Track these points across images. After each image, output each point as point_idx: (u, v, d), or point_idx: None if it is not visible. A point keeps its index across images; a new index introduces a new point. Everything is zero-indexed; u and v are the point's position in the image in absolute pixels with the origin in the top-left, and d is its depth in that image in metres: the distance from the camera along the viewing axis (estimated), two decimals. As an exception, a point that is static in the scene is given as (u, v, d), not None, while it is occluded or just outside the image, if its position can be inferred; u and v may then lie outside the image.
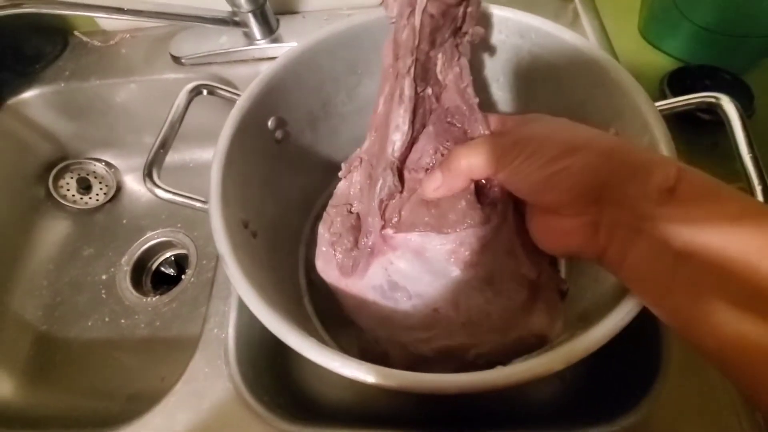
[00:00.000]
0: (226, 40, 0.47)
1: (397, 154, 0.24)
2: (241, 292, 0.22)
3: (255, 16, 0.43)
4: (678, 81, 0.39)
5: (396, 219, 0.25)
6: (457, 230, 0.24)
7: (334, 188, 0.29)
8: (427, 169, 0.25)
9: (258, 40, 0.46)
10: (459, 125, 0.26)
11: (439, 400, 0.36)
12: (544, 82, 0.31)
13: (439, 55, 0.23)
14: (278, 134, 0.33)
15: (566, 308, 0.33)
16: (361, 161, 0.27)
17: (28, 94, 0.50)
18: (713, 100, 0.25)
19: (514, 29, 0.31)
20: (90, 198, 0.56)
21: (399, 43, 0.23)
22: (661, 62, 0.43)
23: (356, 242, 0.26)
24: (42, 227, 0.54)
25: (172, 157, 0.31)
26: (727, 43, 0.40)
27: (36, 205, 0.54)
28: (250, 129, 0.29)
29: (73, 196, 0.56)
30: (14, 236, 0.52)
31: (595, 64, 0.28)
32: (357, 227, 0.27)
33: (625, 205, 0.18)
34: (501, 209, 0.24)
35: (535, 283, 0.25)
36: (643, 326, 0.27)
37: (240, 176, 0.28)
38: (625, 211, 0.18)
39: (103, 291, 0.50)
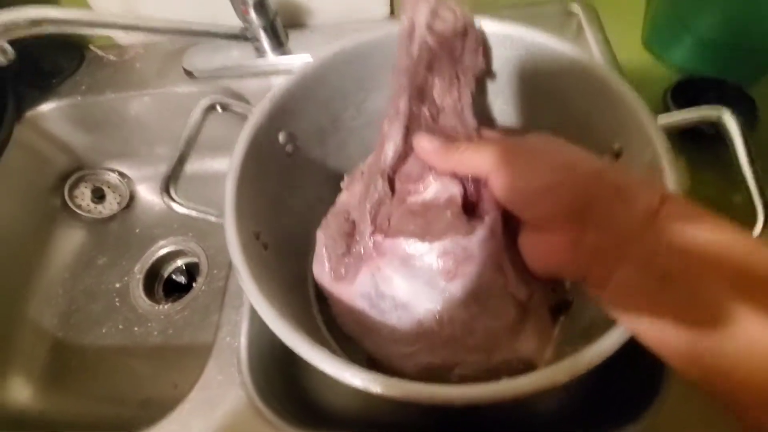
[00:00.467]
0: (238, 54, 0.48)
1: (388, 162, 0.26)
2: (254, 304, 0.22)
3: (266, 30, 0.45)
4: (682, 93, 0.39)
5: (385, 225, 0.25)
6: (441, 239, 0.24)
7: (343, 200, 0.30)
8: (417, 181, 0.26)
9: (268, 54, 0.47)
10: (455, 140, 0.26)
11: (445, 409, 0.37)
12: (548, 95, 0.32)
13: (437, 80, 0.25)
14: (288, 148, 0.34)
15: (571, 320, 0.33)
16: (362, 174, 0.29)
17: (46, 107, 0.51)
18: (714, 114, 0.26)
19: (518, 44, 0.32)
20: (104, 207, 0.57)
21: (399, 66, 0.24)
22: (665, 74, 0.43)
23: (349, 249, 0.27)
24: (58, 236, 0.55)
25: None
26: (730, 56, 0.40)
27: (52, 215, 0.55)
28: (262, 144, 0.30)
29: (88, 205, 0.57)
30: (31, 245, 0.53)
31: (597, 79, 0.29)
32: (351, 234, 0.27)
33: (609, 227, 0.19)
34: (489, 223, 0.25)
35: (524, 304, 0.25)
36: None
37: (252, 189, 0.29)
38: (609, 233, 0.19)
39: (117, 299, 0.52)
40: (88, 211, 0.57)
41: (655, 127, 0.26)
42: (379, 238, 0.25)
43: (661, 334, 0.18)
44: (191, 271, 0.54)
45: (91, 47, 0.54)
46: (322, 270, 0.28)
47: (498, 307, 0.25)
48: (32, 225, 0.54)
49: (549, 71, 0.31)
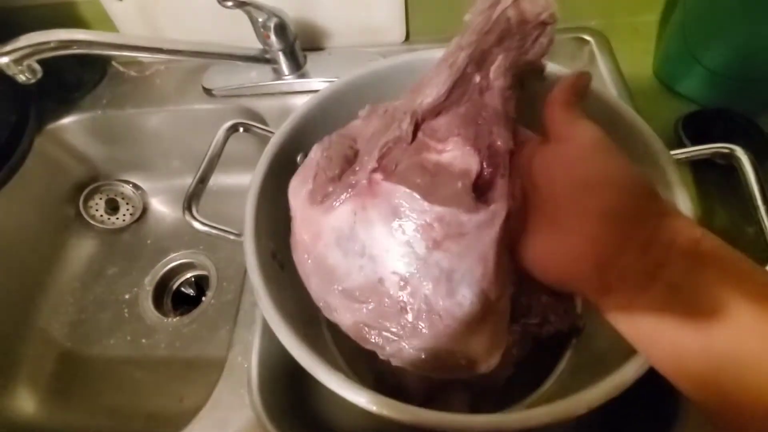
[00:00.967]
0: (256, 74, 0.49)
1: (423, 107, 0.24)
2: (274, 328, 0.23)
3: (285, 53, 0.46)
4: (693, 124, 0.40)
5: (391, 168, 0.24)
6: (443, 205, 0.22)
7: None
8: (440, 140, 0.24)
9: (286, 75, 0.48)
10: (487, 124, 0.25)
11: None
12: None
13: (500, 57, 0.24)
14: (305, 168, 0.34)
15: (582, 346, 0.33)
16: (386, 111, 0.27)
17: (67, 120, 0.53)
18: (728, 151, 0.26)
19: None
20: (117, 218, 0.58)
21: (470, 25, 0.24)
22: (675, 104, 0.44)
23: (340, 175, 0.25)
24: (70, 245, 0.56)
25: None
26: (739, 87, 0.41)
27: (66, 224, 0.56)
28: (281, 164, 0.31)
29: (101, 216, 0.58)
30: (44, 254, 0.54)
31: (610, 110, 0.30)
32: (350, 161, 0.25)
33: (649, 250, 0.18)
34: (492, 210, 0.23)
35: (491, 304, 0.24)
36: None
37: (270, 209, 0.30)
38: (646, 256, 0.18)
39: (126, 310, 0.52)
40: (102, 222, 0.58)
41: (669, 159, 0.27)
42: (378, 176, 0.23)
43: (678, 362, 0.18)
44: (200, 284, 0.55)
45: (114, 63, 0.56)
46: (301, 187, 0.25)
47: (465, 297, 0.23)
48: (46, 234, 0.55)
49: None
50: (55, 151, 0.54)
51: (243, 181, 0.55)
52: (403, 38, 0.53)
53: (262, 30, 0.43)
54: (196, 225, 0.29)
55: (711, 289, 0.17)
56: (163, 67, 0.55)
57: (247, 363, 0.33)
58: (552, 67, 0.31)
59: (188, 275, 0.55)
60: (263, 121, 0.48)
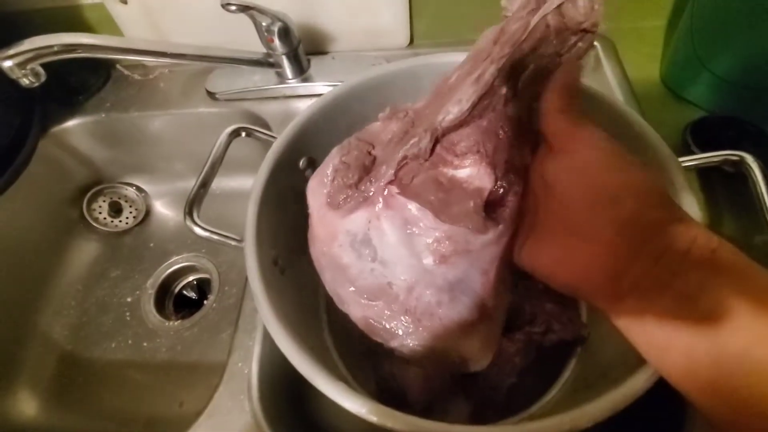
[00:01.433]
0: (259, 78, 0.49)
1: (444, 124, 0.24)
2: (274, 336, 0.22)
3: (288, 57, 0.46)
4: (701, 131, 0.39)
5: (407, 181, 0.24)
6: (453, 224, 0.23)
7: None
8: (458, 155, 0.24)
9: (290, 79, 0.48)
10: (506, 137, 0.25)
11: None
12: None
13: (532, 66, 0.23)
14: (308, 173, 0.34)
15: (587, 356, 0.33)
16: (406, 114, 0.27)
17: (71, 123, 0.53)
18: (737, 158, 0.26)
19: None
20: (120, 221, 0.58)
21: (506, 31, 0.22)
22: (683, 111, 0.44)
23: (359, 182, 0.25)
24: (73, 248, 0.56)
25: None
26: (748, 95, 0.41)
27: (69, 227, 0.56)
28: (283, 169, 0.31)
29: (105, 218, 0.58)
30: (47, 256, 0.54)
31: (618, 116, 0.29)
32: (368, 169, 0.26)
33: (663, 258, 0.18)
34: (501, 230, 0.24)
35: (487, 311, 0.26)
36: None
37: (272, 214, 0.29)
38: (660, 265, 0.18)
39: (128, 313, 0.52)
40: (105, 225, 0.58)
41: (677, 166, 0.26)
42: (394, 190, 0.24)
43: (689, 371, 0.18)
44: (202, 287, 0.54)
45: (118, 66, 0.56)
46: (319, 189, 0.26)
47: (465, 305, 0.25)
48: (49, 236, 0.55)
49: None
50: (58, 153, 0.54)
51: (246, 184, 0.55)
52: (407, 42, 0.53)
53: (265, 34, 0.43)
54: (197, 230, 0.28)
55: (725, 299, 0.17)
56: (167, 70, 0.55)
57: (247, 369, 0.33)
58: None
59: (190, 278, 0.55)
60: (266, 125, 0.48)
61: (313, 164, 0.34)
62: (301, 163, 0.33)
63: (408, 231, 0.24)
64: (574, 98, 0.22)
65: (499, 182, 0.24)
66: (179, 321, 0.51)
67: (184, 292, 0.55)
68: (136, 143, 0.55)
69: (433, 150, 0.24)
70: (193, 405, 0.45)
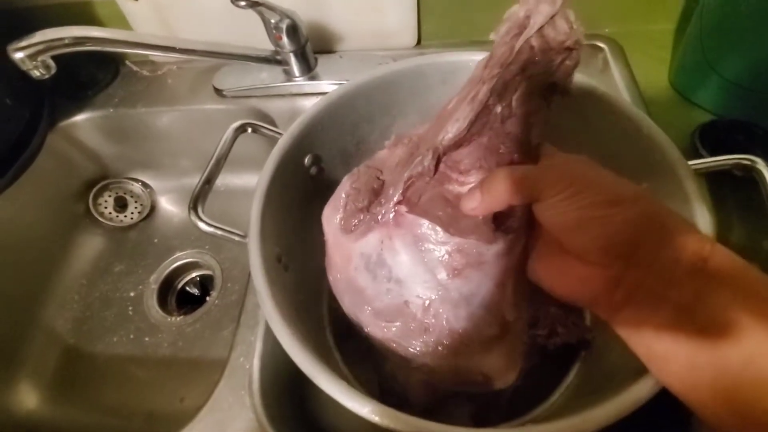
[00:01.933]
0: (267, 75, 0.49)
1: (445, 142, 0.25)
2: (277, 333, 0.22)
3: (296, 55, 0.46)
4: (709, 135, 0.39)
5: (415, 200, 0.25)
6: (463, 236, 0.24)
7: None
8: (462, 172, 0.25)
9: (297, 77, 0.48)
10: (508, 152, 0.26)
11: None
12: (573, 133, 0.32)
13: (523, 84, 0.24)
14: (313, 170, 0.34)
15: (591, 360, 0.32)
16: (410, 140, 0.28)
17: (79, 118, 0.53)
18: (749, 163, 0.25)
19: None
20: (125, 216, 0.58)
21: (493, 56, 0.24)
22: (691, 114, 0.43)
23: (369, 205, 0.27)
24: (78, 242, 0.56)
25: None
26: (757, 99, 0.40)
27: (75, 221, 0.57)
28: (288, 166, 0.31)
29: (110, 213, 0.58)
30: (52, 250, 0.54)
31: (627, 120, 0.29)
32: (377, 192, 0.27)
33: (654, 269, 0.18)
34: (511, 239, 0.24)
35: (508, 325, 0.25)
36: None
37: (276, 211, 0.29)
38: (652, 275, 0.18)
39: (131, 308, 0.52)
40: (110, 219, 0.58)
41: (687, 170, 0.26)
42: (403, 209, 0.25)
43: (692, 380, 0.18)
44: (205, 283, 0.55)
45: (127, 62, 0.56)
46: (333, 216, 0.28)
47: (484, 319, 0.25)
48: (55, 230, 0.55)
49: (576, 109, 0.31)
50: (66, 148, 0.54)
51: (251, 181, 0.55)
52: (415, 42, 0.53)
53: (274, 31, 0.43)
54: (202, 226, 0.28)
55: (723, 309, 0.17)
56: (175, 67, 0.55)
57: (248, 364, 0.33)
58: (579, 78, 0.31)
59: (193, 275, 0.55)
60: (273, 123, 0.48)
61: (319, 162, 0.34)
62: (306, 160, 0.33)
63: (420, 247, 0.25)
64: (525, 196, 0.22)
65: None
66: (181, 317, 0.51)
67: (187, 288, 0.55)
68: (143, 139, 0.55)
69: (437, 168, 0.25)
70: (194, 401, 0.45)
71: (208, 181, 0.30)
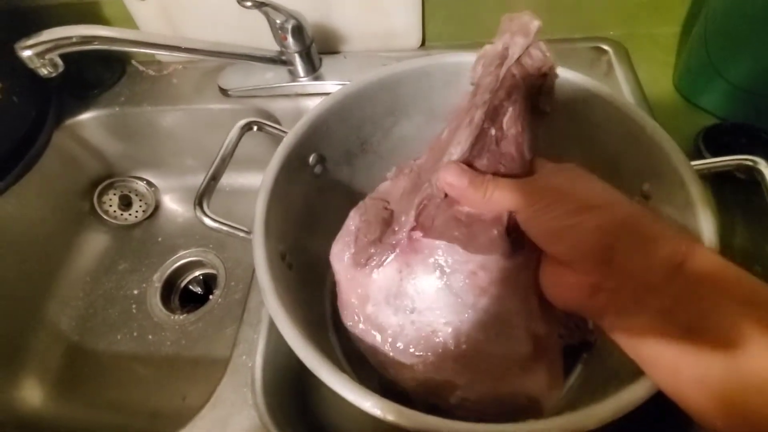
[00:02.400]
0: (271, 75, 0.50)
1: None
2: (282, 329, 0.22)
3: (301, 56, 0.46)
4: (714, 138, 0.39)
5: (428, 224, 0.25)
6: (484, 253, 0.24)
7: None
8: None
9: (301, 77, 0.49)
10: (507, 171, 0.27)
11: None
12: (577, 134, 0.32)
13: (510, 108, 0.25)
14: (317, 169, 0.34)
15: (593, 362, 0.32)
16: (411, 170, 0.29)
17: (85, 116, 0.54)
18: (751, 164, 0.25)
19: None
20: (130, 214, 0.59)
21: (481, 84, 0.25)
22: (696, 117, 0.43)
23: (381, 237, 0.26)
24: (83, 240, 0.57)
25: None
26: (762, 103, 0.40)
27: (79, 219, 0.57)
28: (292, 165, 0.31)
29: (115, 211, 0.58)
30: (57, 247, 0.55)
31: (630, 121, 0.29)
32: (387, 222, 0.27)
33: (632, 274, 0.19)
34: (526, 253, 0.25)
35: (541, 341, 0.25)
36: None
37: (280, 209, 0.29)
38: (631, 279, 0.19)
39: (134, 306, 0.52)
40: (114, 218, 0.58)
41: (689, 171, 0.26)
42: (418, 234, 0.25)
43: (677, 382, 0.18)
44: (208, 282, 0.55)
45: (133, 62, 0.57)
46: (343, 252, 0.27)
47: (516, 337, 0.24)
48: (60, 228, 0.55)
49: (580, 110, 0.31)
50: (72, 146, 0.55)
51: (255, 181, 0.55)
52: (419, 44, 0.53)
53: (279, 32, 0.44)
54: (207, 221, 0.29)
55: (703, 312, 0.17)
56: (181, 66, 0.56)
57: (251, 362, 0.33)
58: (567, 74, 0.31)
59: (197, 273, 0.55)
60: (277, 122, 0.48)
61: (323, 161, 0.34)
62: (311, 159, 0.33)
63: (441, 271, 0.24)
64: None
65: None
66: (184, 315, 0.51)
67: (190, 286, 0.55)
68: (148, 138, 0.56)
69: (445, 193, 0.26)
70: (197, 399, 0.45)
71: (214, 178, 0.30)
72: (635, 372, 0.21)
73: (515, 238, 0.25)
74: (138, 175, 0.60)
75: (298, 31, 0.44)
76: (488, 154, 0.26)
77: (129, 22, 0.52)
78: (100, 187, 0.58)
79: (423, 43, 0.53)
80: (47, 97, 0.51)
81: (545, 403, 0.25)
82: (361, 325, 0.26)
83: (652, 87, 0.45)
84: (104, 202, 0.58)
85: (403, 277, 0.25)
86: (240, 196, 0.56)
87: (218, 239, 0.55)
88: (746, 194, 0.36)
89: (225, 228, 0.28)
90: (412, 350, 0.25)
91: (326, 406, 0.38)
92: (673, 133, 0.27)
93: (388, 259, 0.25)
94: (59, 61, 0.35)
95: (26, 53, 0.32)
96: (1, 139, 0.45)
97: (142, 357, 0.49)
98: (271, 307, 0.23)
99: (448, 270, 0.24)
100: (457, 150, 0.25)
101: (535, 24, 0.24)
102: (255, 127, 0.34)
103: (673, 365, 0.18)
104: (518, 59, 0.25)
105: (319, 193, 0.35)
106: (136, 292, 0.53)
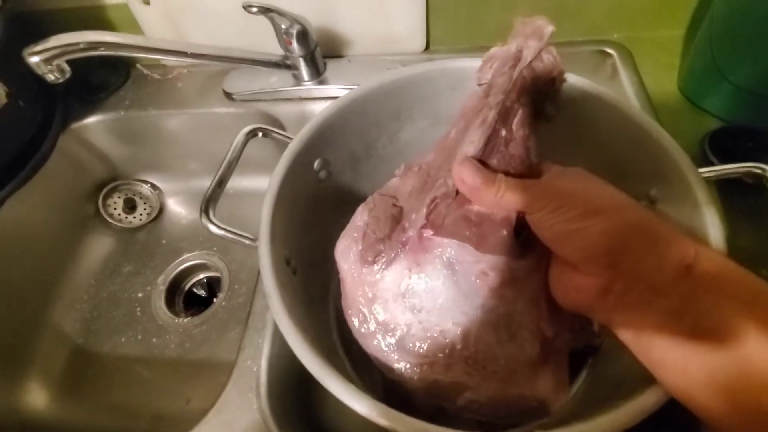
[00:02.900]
0: (276, 79, 0.50)
1: None
2: (285, 334, 0.22)
3: (305, 60, 0.46)
4: (719, 142, 0.39)
5: (439, 223, 0.25)
6: (495, 253, 0.24)
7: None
8: None
9: (306, 81, 0.49)
10: (516, 172, 0.27)
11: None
12: (582, 139, 0.32)
13: (520, 111, 0.26)
14: (322, 174, 0.34)
15: (599, 367, 0.32)
16: (420, 168, 0.28)
17: (91, 120, 0.54)
18: (759, 171, 0.25)
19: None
20: (134, 217, 0.59)
21: (494, 85, 0.26)
22: (701, 121, 0.43)
23: (390, 234, 0.26)
24: (88, 243, 0.57)
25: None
26: (768, 105, 0.40)
27: (84, 222, 0.57)
28: (297, 170, 0.31)
29: (119, 214, 0.59)
30: (62, 250, 0.55)
31: (635, 126, 0.29)
32: (396, 220, 0.26)
33: (640, 276, 0.19)
34: (536, 254, 0.25)
35: (549, 343, 0.25)
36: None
37: (285, 215, 0.29)
38: (639, 281, 0.19)
39: (138, 308, 0.52)
40: (119, 221, 0.58)
41: (696, 175, 0.26)
42: (429, 232, 0.25)
43: (686, 382, 0.18)
44: (212, 285, 0.55)
45: (138, 66, 0.57)
46: (349, 248, 0.26)
47: (525, 338, 0.24)
48: (65, 230, 0.55)
49: (584, 115, 0.31)
50: (77, 149, 0.55)
51: (259, 185, 0.56)
52: (423, 48, 0.53)
53: (284, 36, 0.44)
54: (213, 229, 0.29)
55: (711, 314, 0.17)
56: (186, 70, 0.56)
57: (256, 367, 0.33)
58: (571, 78, 0.31)
59: (201, 276, 0.56)
60: (282, 126, 0.48)
61: (328, 166, 0.34)
62: (316, 164, 0.33)
63: (452, 270, 0.24)
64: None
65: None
66: (188, 318, 0.51)
67: (194, 289, 0.55)
68: (153, 141, 0.56)
69: (458, 190, 0.26)
70: (200, 402, 0.45)
71: (220, 184, 0.30)
72: (643, 377, 0.21)
73: (525, 240, 0.25)
74: (142, 178, 0.60)
75: (303, 35, 0.44)
76: (498, 155, 0.26)
77: (134, 26, 0.52)
78: (104, 191, 0.58)
79: (427, 47, 0.53)
80: (53, 101, 0.51)
81: (552, 405, 0.25)
82: (366, 324, 0.26)
83: (657, 90, 0.45)
84: (109, 205, 0.59)
85: (413, 276, 0.24)
86: (244, 199, 0.56)
87: (222, 242, 0.55)
88: (753, 199, 0.36)
89: (231, 236, 0.29)
90: (419, 351, 0.24)
91: (331, 411, 0.38)
92: (677, 136, 0.27)
93: (398, 257, 0.25)
94: (66, 67, 0.36)
95: (34, 59, 0.33)
96: (8, 143, 0.46)
97: (146, 360, 0.49)
98: (277, 314, 0.23)
99: (458, 269, 0.24)
100: (471, 149, 0.25)
101: (549, 28, 0.25)
102: (260, 133, 0.34)
103: (681, 366, 0.18)
104: (530, 62, 0.25)
105: (324, 197, 0.35)
106: (140, 294, 0.53)
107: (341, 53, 0.53)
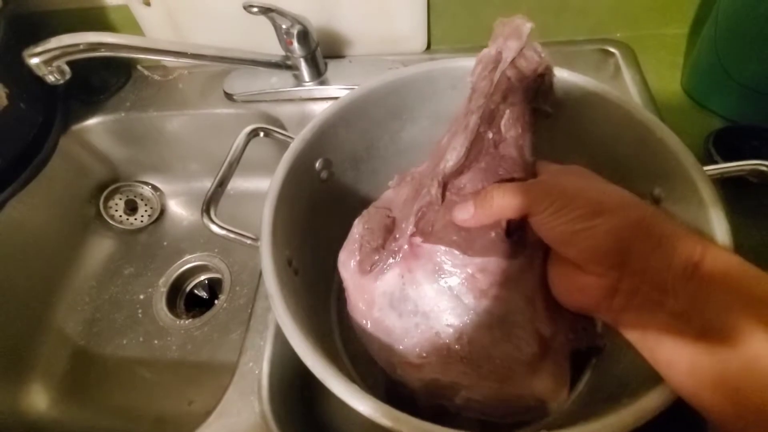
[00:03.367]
0: (276, 80, 0.50)
1: (446, 171, 0.26)
2: (287, 334, 0.22)
3: (306, 60, 0.46)
4: (724, 140, 0.39)
5: (428, 230, 0.26)
6: (483, 256, 0.24)
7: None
8: (468, 197, 0.26)
9: (307, 82, 0.49)
10: (507, 173, 0.27)
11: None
12: (586, 138, 0.32)
13: (507, 111, 0.26)
14: (323, 174, 0.34)
15: (603, 368, 0.32)
16: (413, 178, 0.29)
17: (91, 122, 0.54)
18: (765, 169, 0.25)
19: (559, 87, 0.32)
20: (135, 219, 0.59)
21: (476, 90, 0.26)
22: (705, 119, 0.43)
23: (384, 243, 0.27)
24: (89, 245, 0.57)
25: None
26: (774, 105, 0.40)
27: (86, 223, 0.57)
28: (299, 170, 0.31)
29: (120, 216, 0.59)
30: (64, 252, 0.55)
31: (639, 124, 0.29)
32: (389, 230, 0.27)
33: (647, 276, 0.19)
34: (529, 253, 0.25)
35: (547, 342, 0.25)
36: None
37: (286, 215, 0.29)
38: (646, 281, 0.19)
39: (140, 310, 0.52)
40: (120, 222, 0.58)
41: (700, 174, 0.26)
42: (418, 240, 0.25)
43: (694, 382, 0.18)
44: (213, 286, 0.55)
45: (139, 67, 0.57)
46: (349, 259, 0.27)
47: (521, 338, 0.24)
48: (66, 232, 0.55)
49: (587, 113, 0.31)
50: (78, 151, 0.55)
51: (261, 185, 0.56)
52: (424, 47, 0.53)
53: (285, 37, 0.44)
54: (214, 228, 0.29)
55: (720, 313, 0.17)
56: (186, 71, 0.56)
57: (258, 369, 0.33)
58: (574, 77, 0.31)
59: (202, 278, 0.55)
60: (282, 127, 0.48)
61: (329, 166, 0.34)
62: (317, 164, 0.33)
63: (441, 275, 0.25)
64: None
65: None
66: (190, 320, 0.51)
67: (196, 291, 0.55)
68: (154, 142, 0.56)
69: (443, 196, 0.26)
70: (202, 404, 0.45)
71: (221, 185, 0.30)
72: (647, 378, 0.21)
73: (517, 240, 0.25)
74: (143, 179, 0.60)
75: (304, 35, 0.44)
76: (487, 157, 0.26)
77: (134, 27, 0.52)
78: (106, 192, 0.58)
79: (428, 47, 0.53)
80: (54, 102, 0.51)
81: (551, 404, 0.25)
82: (369, 330, 0.27)
83: (660, 89, 0.45)
84: (110, 207, 0.58)
85: (405, 282, 0.25)
86: (245, 199, 0.56)
87: (223, 243, 0.55)
88: (759, 197, 0.36)
89: (232, 235, 0.28)
90: (417, 352, 0.25)
91: (333, 412, 0.37)
92: (681, 135, 0.27)
93: (392, 265, 0.26)
94: (66, 69, 0.36)
95: (34, 61, 0.32)
96: (9, 145, 0.46)
97: (147, 361, 0.49)
98: (279, 315, 0.23)
99: (447, 273, 0.25)
100: (453, 156, 0.25)
101: (528, 26, 0.24)
102: (261, 133, 0.34)
103: (688, 365, 0.17)
104: (512, 62, 0.25)
105: (325, 197, 0.35)
106: (141, 296, 0.53)
107: (342, 53, 0.53)
